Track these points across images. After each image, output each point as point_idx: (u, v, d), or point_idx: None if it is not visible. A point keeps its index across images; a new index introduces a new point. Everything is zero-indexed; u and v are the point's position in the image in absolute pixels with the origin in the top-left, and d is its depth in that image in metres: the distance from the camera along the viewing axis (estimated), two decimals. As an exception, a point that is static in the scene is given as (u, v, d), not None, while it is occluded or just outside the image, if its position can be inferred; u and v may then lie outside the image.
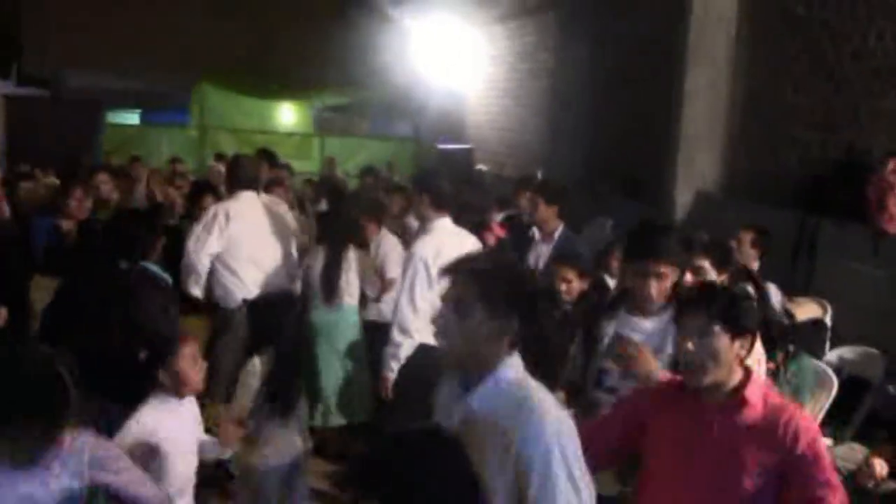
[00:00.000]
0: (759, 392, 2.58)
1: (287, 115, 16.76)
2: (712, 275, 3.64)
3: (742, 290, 2.93)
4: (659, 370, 3.07)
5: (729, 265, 4.13)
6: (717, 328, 2.52)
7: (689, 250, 3.46)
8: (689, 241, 3.54)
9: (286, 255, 5.55)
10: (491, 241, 5.51)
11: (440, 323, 2.15)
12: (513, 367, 2.15)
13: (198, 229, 5.29)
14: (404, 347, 4.46)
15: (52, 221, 5.45)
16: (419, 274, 4.44)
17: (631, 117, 9.16)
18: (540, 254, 5.67)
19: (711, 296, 2.62)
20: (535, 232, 5.75)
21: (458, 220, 4.85)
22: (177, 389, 3.27)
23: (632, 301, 3.31)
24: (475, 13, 13.04)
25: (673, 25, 8.06)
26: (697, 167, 7.98)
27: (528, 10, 11.79)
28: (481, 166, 12.91)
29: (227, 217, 5.25)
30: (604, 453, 2.67)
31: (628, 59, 9.10)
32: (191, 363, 3.26)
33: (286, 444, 3.91)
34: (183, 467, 3.25)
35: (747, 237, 5.49)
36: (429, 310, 4.43)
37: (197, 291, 5.25)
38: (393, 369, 4.49)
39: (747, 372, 2.60)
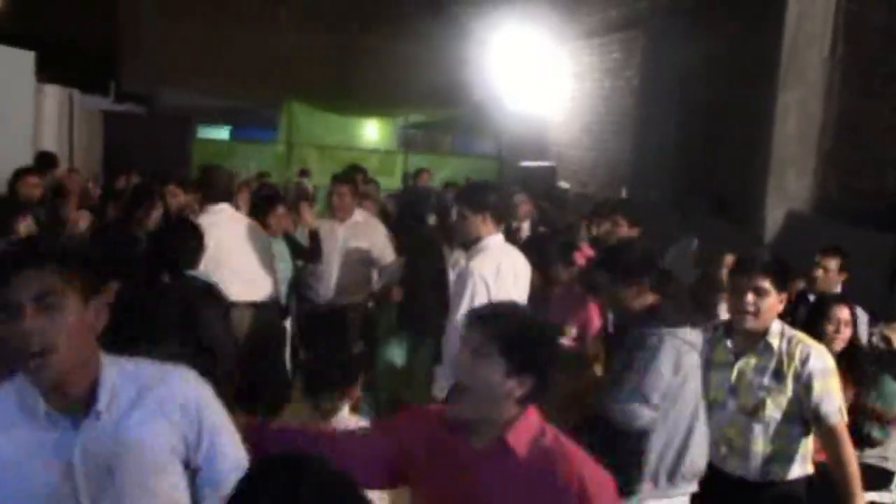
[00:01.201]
0: (528, 436, 2.16)
1: (371, 131, 17.00)
2: (773, 295, 3.59)
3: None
4: None
5: (790, 286, 4.06)
6: (494, 353, 2.13)
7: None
8: (751, 260, 3.50)
9: (264, 263, 5.37)
10: (581, 261, 5.42)
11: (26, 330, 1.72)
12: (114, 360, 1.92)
13: None
14: None
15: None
16: (479, 293, 4.25)
17: (719, 136, 9.02)
18: None
19: (497, 316, 2.22)
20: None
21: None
22: None
23: None
24: (561, 30, 13.03)
25: (764, 44, 7.92)
26: (789, 186, 7.82)
27: (615, 27, 11.73)
28: (563, 184, 12.86)
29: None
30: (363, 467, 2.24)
31: (717, 77, 8.97)
32: None
33: None
34: None
35: (833, 263, 5.28)
36: None
37: None
38: (444, 389, 4.32)
39: (522, 412, 2.18)
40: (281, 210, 6.04)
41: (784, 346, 3.35)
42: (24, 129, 9.80)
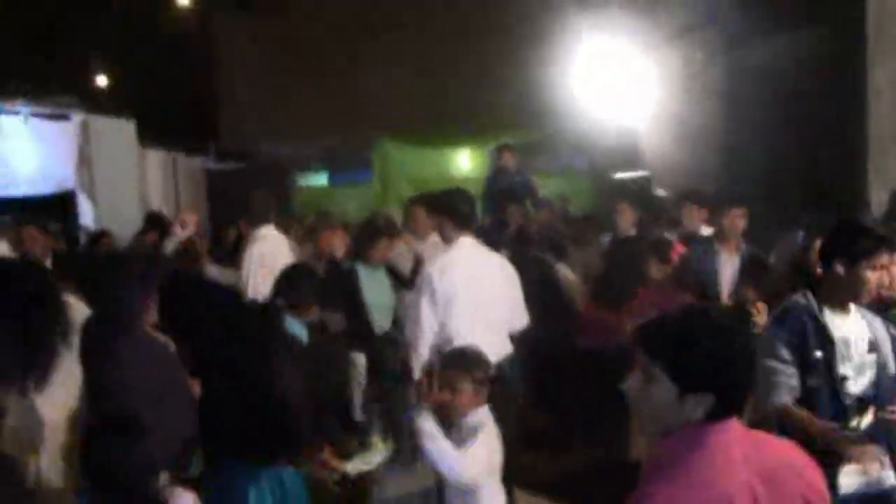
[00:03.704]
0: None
1: (464, 160, 17.11)
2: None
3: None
4: None
5: None
6: (661, 375, 2.05)
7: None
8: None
9: None
10: (674, 258, 5.48)
11: None
12: None
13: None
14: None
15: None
16: (424, 290, 4.67)
17: (812, 123, 8.73)
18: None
19: (657, 328, 2.08)
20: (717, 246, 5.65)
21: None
22: None
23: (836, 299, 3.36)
24: (643, 37, 12.89)
25: (848, 23, 7.67)
26: (890, 166, 7.50)
27: (695, 26, 11.55)
28: (660, 191, 12.64)
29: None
30: None
31: (802, 65, 8.70)
32: None
33: None
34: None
35: None
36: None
37: None
38: None
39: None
40: (384, 242, 6.34)
41: None
42: (131, 193, 10.36)
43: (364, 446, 4.30)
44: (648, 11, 12.87)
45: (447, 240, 4.92)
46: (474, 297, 4.65)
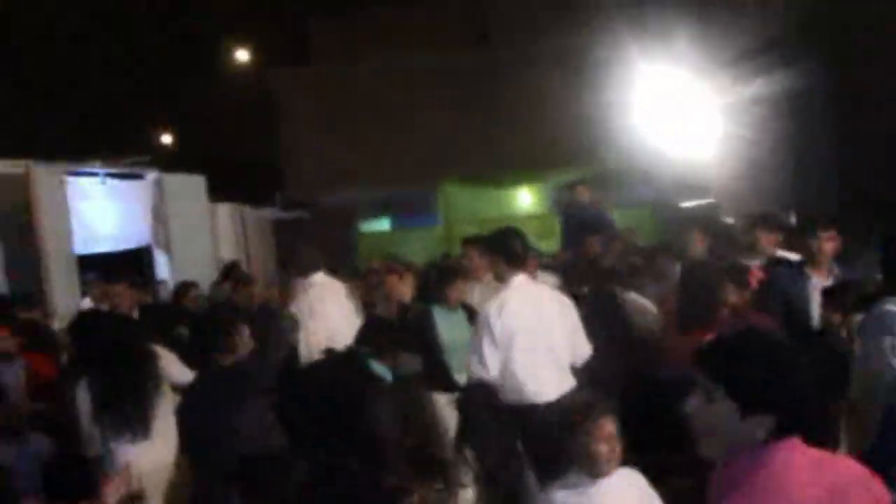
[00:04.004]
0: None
1: (525, 198, 17.16)
2: None
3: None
4: None
5: None
6: (722, 397, 2.06)
7: None
8: None
9: None
10: (753, 283, 5.38)
11: None
12: None
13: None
14: None
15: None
16: (483, 330, 4.68)
17: (879, 139, 8.57)
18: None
19: (717, 350, 2.10)
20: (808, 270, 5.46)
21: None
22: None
23: None
24: (698, 64, 12.83)
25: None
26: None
27: (756, 49, 11.46)
28: (729, 219, 12.46)
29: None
30: None
31: (867, 78, 8.57)
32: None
33: None
34: None
35: None
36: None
37: None
38: None
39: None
40: (459, 283, 6.26)
41: None
42: (203, 245, 10.61)
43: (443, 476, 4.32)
44: (704, 38, 12.82)
45: (501, 279, 4.95)
46: (534, 333, 4.68)
